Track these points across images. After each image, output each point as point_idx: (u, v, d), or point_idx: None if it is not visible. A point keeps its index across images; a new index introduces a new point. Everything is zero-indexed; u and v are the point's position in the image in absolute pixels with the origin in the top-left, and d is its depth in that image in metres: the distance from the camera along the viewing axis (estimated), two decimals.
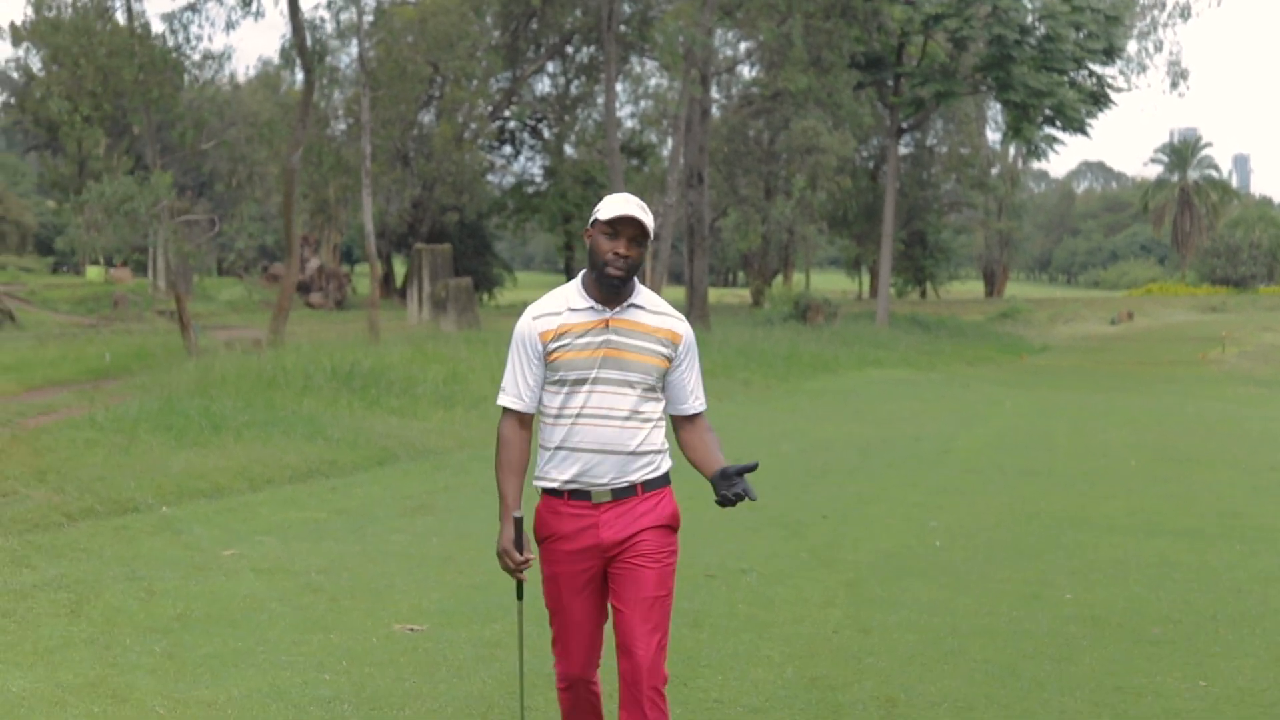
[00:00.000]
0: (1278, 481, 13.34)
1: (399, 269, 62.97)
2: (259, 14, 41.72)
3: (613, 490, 4.37)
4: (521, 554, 4.33)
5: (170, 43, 27.17)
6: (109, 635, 6.37)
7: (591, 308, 4.40)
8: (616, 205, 4.33)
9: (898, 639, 6.80)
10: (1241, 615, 7.52)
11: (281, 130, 30.68)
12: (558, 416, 4.40)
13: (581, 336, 4.37)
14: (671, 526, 4.47)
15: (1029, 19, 41.60)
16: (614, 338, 4.38)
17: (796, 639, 6.76)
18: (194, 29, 29.02)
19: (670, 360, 4.46)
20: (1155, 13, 64.19)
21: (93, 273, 64.49)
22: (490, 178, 61.41)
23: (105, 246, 33.62)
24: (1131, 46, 60.62)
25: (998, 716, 5.64)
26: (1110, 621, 7.30)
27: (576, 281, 4.50)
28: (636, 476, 4.39)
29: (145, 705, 5.39)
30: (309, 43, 27.33)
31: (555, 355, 4.38)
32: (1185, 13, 65.12)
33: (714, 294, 59.83)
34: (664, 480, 4.47)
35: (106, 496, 9.60)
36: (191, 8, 27.69)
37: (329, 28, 34.91)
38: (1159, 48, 72.94)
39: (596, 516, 4.36)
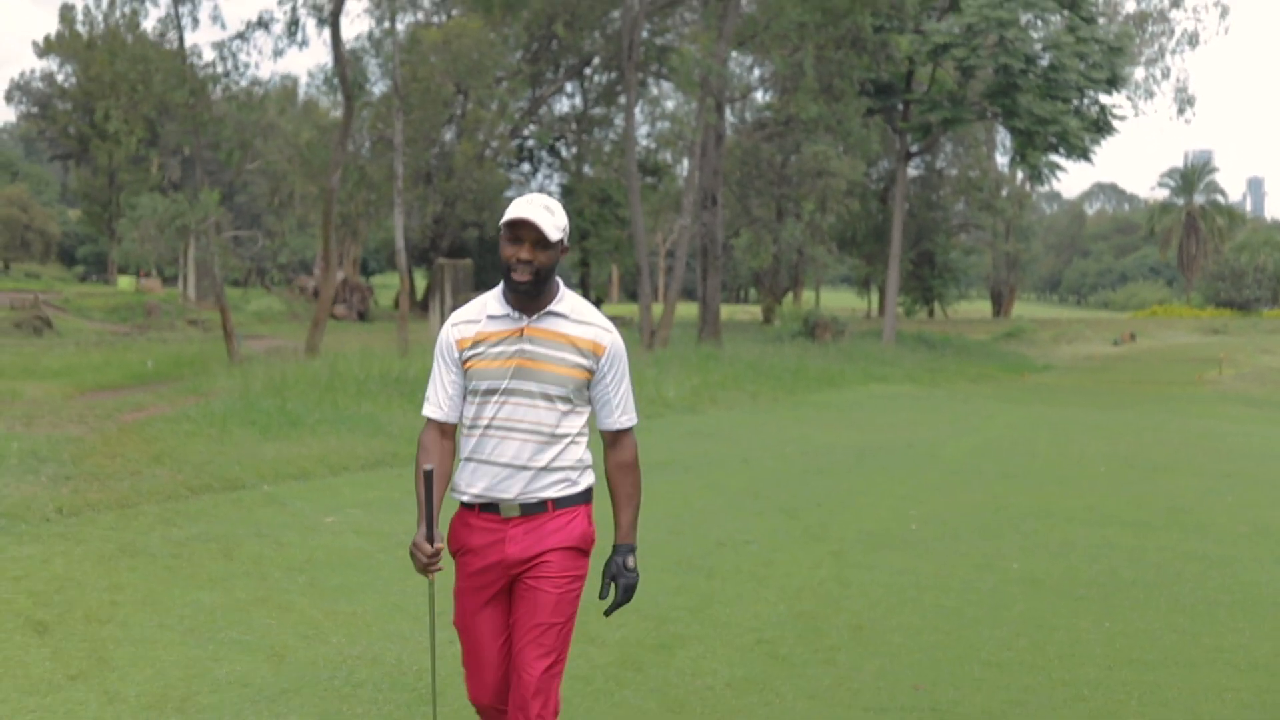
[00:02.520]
0: (1229, 485, 14.64)
1: (419, 282, 64.74)
2: (304, 43, 43.49)
3: (521, 505, 4.21)
4: (432, 544, 4.15)
5: (220, 69, 28.91)
6: (260, 571, 8.23)
7: (508, 315, 4.22)
8: (516, 208, 4.14)
9: (869, 589, 8.55)
10: (1156, 582, 9.15)
11: (320, 152, 32.44)
12: (471, 427, 4.28)
13: (496, 345, 4.21)
14: (581, 549, 4.30)
15: (1035, 48, 43.10)
16: (528, 347, 4.19)
17: (789, 587, 8.53)
18: (242, 57, 30.85)
19: (592, 372, 4.27)
20: (1163, 40, 65.74)
21: (124, 282, 66.52)
22: (509, 194, 63.07)
23: (159, 259, 35.34)
24: (1139, 73, 62.20)
25: (939, 639, 7.37)
26: (1045, 584, 8.99)
27: (499, 288, 4.32)
28: (549, 493, 4.23)
29: (306, 613, 7.23)
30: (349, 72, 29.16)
31: (470, 364, 4.24)
32: (1193, 40, 66.65)
33: (725, 311, 61.19)
34: (581, 498, 4.32)
35: (217, 476, 11.48)
36: (240, 36, 29.45)
37: (370, 61, 36.60)
38: (1166, 75, 74.39)
39: (505, 531, 4.20)
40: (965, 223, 72.25)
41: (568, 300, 4.29)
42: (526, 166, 65.26)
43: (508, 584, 4.25)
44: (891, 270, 47.89)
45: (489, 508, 4.22)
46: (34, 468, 11.07)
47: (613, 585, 4.31)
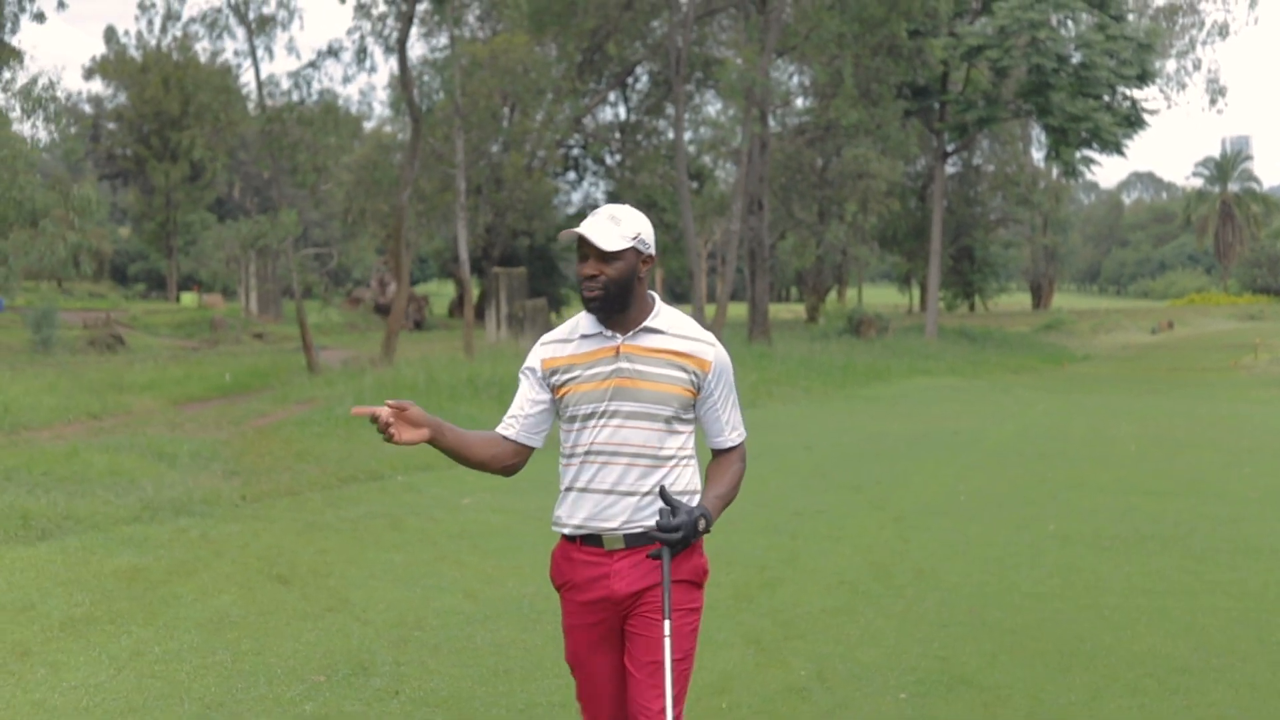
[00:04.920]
0: (1248, 459, 16.08)
1: (472, 290, 66.43)
2: (372, 69, 45.23)
3: (626, 536, 3.96)
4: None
5: (295, 97, 30.72)
6: (428, 539, 10.00)
7: (601, 334, 4.01)
8: (583, 224, 3.96)
9: (927, 545, 10.21)
10: (1172, 536, 10.73)
11: (388, 171, 34.19)
12: (570, 455, 4.05)
13: (591, 367, 3.98)
14: (694, 582, 4.06)
15: (1066, 48, 44.36)
16: (625, 365, 3.96)
17: (860, 544, 10.21)
18: (314, 85, 32.74)
19: (698, 390, 4.03)
20: (1194, 32, 66.78)
21: (186, 298, 68.54)
22: (556, 202, 64.43)
23: (242, 277, 37.12)
24: (1171, 66, 63.26)
25: (986, 579, 9.00)
26: (1076, 539, 10.59)
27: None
28: (655, 522, 3.91)
29: (478, 567, 8.99)
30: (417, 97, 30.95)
31: (564, 389, 4.01)
32: (1223, 31, 67.59)
33: (771, 309, 62.64)
34: None
35: (358, 468, 13.30)
36: (312, 65, 31.26)
37: (425, 80, 38.38)
38: (1197, 66, 75.22)
39: (609, 565, 3.98)
40: (1003, 217, 73.16)
41: (664, 315, 4.06)
42: (573, 175, 66.75)
43: (619, 621, 4.03)
44: (932, 266, 49.15)
45: (591, 539, 4.00)
46: (204, 465, 12.96)
47: (671, 512, 3.85)
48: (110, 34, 75.95)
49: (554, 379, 4.02)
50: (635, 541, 3.94)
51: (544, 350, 4.08)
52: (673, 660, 3.87)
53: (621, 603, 3.97)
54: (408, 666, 6.61)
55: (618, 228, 3.92)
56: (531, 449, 4.14)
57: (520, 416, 4.09)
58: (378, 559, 9.24)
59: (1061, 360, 44.58)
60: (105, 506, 10.56)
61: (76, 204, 19.87)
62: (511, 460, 4.14)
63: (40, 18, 25.13)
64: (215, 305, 63.59)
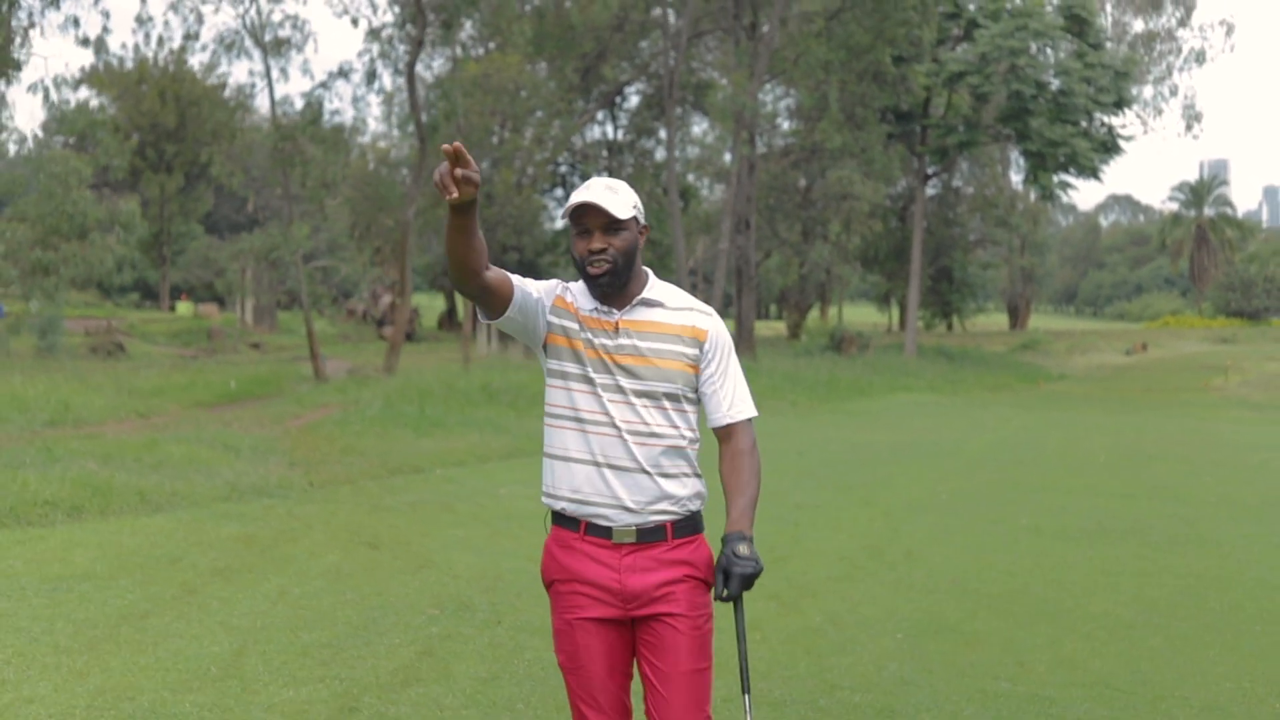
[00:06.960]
0: (1211, 470, 17.49)
1: (460, 303, 67.66)
2: (380, 90, 46.48)
3: (639, 530, 3.75)
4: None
5: (307, 116, 32.06)
6: (480, 519, 11.38)
7: (596, 309, 3.80)
8: (575, 195, 3.70)
9: (914, 533, 11.62)
10: (1131, 530, 12.14)
11: (392, 186, 35.51)
12: (560, 417, 3.83)
13: (586, 331, 3.78)
14: (707, 581, 3.83)
15: (1045, 75, 45.79)
16: (625, 341, 3.76)
17: (855, 531, 11.62)
18: (326, 105, 34.07)
19: (698, 364, 3.83)
20: (1171, 59, 68.41)
21: (182, 308, 69.52)
22: (544, 216, 65.67)
23: (259, 289, 38.21)
24: (1148, 92, 64.86)
25: (966, 560, 10.40)
26: (1045, 531, 12.00)
27: (582, 283, 3.89)
28: (665, 515, 3.77)
29: (532, 540, 10.32)
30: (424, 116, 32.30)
31: (556, 337, 3.83)
32: (1200, 58, 69.17)
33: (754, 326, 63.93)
34: (698, 523, 3.88)
35: (399, 463, 14.69)
36: (323, 85, 32.63)
37: (433, 100, 39.64)
38: (1174, 92, 77.02)
39: (618, 560, 3.75)
40: (982, 238, 74.27)
41: (659, 287, 3.88)
42: (560, 192, 67.97)
43: (624, 616, 3.79)
44: (912, 286, 50.48)
45: (597, 530, 3.77)
46: (264, 457, 14.35)
47: (725, 578, 3.70)
48: (100, 44, 76.77)
49: (553, 318, 3.82)
50: (647, 537, 3.74)
51: (563, 290, 3.87)
52: (701, 669, 3.76)
53: (631, 599, 3.75)
54: (502, 605, 8.01)
55: (618, 196, 3.72)
56: (508, 300, 3.74)
57: (523, 284, 3.79)
58: (444, 534, 10.62)
59: (1037, 379, 45.93)
60: (200, 487, 11.96)
61: (122, 219, 21.17)
62: (492, 283, 3.68)
63: (86, 43, 26.38)
64: (210, 315, 64.62)
